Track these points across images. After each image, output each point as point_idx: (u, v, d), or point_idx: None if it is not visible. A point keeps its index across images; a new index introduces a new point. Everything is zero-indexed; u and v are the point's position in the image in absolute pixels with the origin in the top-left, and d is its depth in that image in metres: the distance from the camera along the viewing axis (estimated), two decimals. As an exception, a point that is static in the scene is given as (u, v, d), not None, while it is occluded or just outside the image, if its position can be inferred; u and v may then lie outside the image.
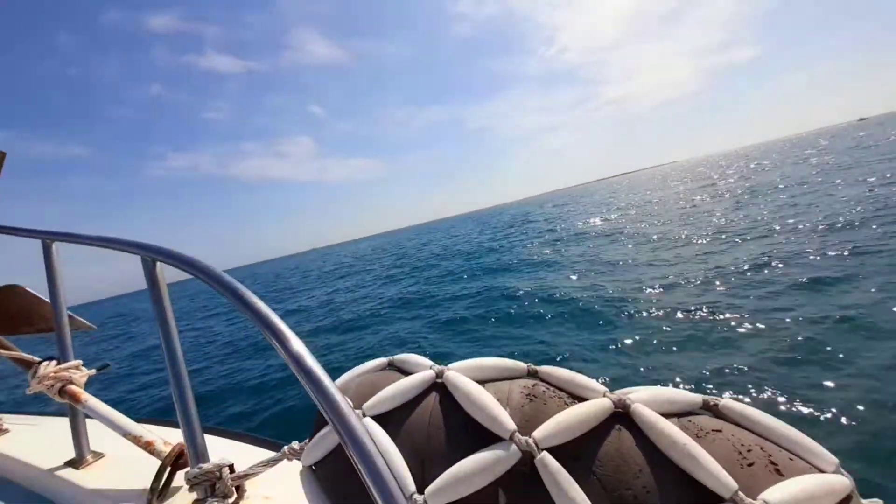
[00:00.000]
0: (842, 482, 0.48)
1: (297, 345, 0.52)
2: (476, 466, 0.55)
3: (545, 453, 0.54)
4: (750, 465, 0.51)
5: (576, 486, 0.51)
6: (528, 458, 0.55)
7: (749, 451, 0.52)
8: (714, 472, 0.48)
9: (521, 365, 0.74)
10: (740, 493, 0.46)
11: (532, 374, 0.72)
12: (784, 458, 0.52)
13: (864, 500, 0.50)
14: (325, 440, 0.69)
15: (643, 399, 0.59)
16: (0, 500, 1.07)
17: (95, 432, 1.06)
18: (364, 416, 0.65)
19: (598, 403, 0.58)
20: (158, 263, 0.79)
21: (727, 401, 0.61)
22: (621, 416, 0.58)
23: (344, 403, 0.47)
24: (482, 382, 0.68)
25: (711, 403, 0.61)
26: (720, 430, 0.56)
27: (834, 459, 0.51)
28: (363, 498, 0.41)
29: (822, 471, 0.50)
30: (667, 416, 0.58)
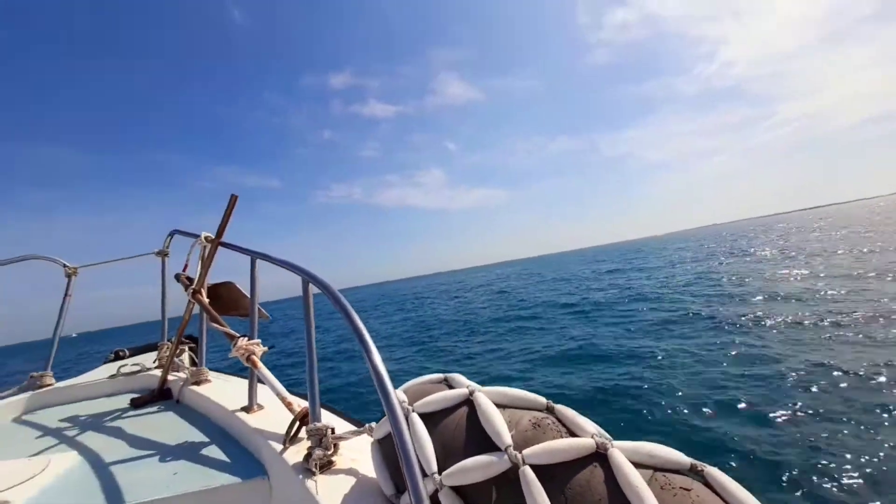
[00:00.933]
0: None
1: (376, 356, 0.83)
2: (478, 464, 0.75)
3: (527, 467, 0.71)
4: None
5: (545, 496, 0.67)
6: (515, 469, 0.72)
7: None
8: None
9: (542, 400, 0.90)
10: None
11: (549, 410, 0.87)
12: None
13: None
14: (384, 425, 0.96)
15: (624, 447, 0.70)
16: (203, 430, 1.65)
17: (261, 391, 1.57)
18: (412, 411, 0.91)
19: (583, 441, 0.72)
20: (310, 284, 1.22)
21: (713, 469, 0.67)
22: (601, 456, 0.71)
23: (395, 400, 0.75)
24: (502, 406, 0.87)
25: (698, 468, 0.68)
26: (689, 489, 0.64)
27: None
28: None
29: None
30: (643, 466, 0.68)
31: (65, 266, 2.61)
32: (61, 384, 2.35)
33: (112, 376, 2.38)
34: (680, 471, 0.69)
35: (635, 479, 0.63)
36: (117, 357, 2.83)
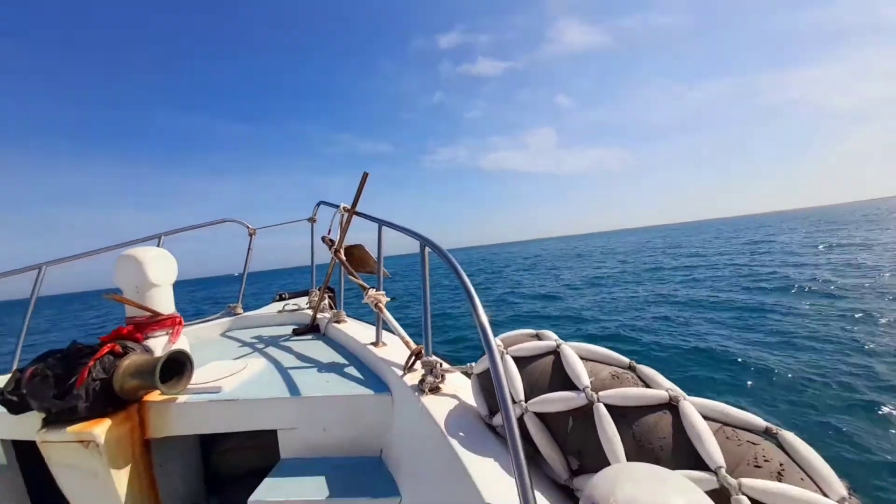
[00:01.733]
0: None
1: (479, 306, 1.02)
2: (559, 398, 0.91)
3: (601, 404, 0.84)
4: (758, 467, 0.65)
5: (614, 428, 0.79)
6: (590, 405, 0.86)
7: (767, 461, 0.66)
8: (710, 450, 0.67)
9: (625, 360, 0.99)
10: (723, 471, 0.64)
11: (630, 368, 0.97)
12: (797, 476, 0.63)
13: None
14: (483, 362, 1.17)
15: (696, 402, 0.78)
16: (343, 355, 2.12)
17: (385, 333, 1.95)
18: (506, 353, 1.09)
19: (657, 392, 0.82)
20: (426, 248, 1.47)
21: (788, 433, 0.71)
22: (673, 406, 0.79)
23: (493, 343, 0.93)
24: (586, 360, 1.00)
25: (773, 431, 0.73)
26: (755, 443, 0.70)
27: (842, 492, 0.59)
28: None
29: (824, 494, 0.60)
30: (711, 419, 0.75)
31: (248, 227, 3.46)
32: (247, 314, 3.19)
33: (280, 311, 3.14)
34: (752, 430, 0.74)
35: (700, 425, 0.72)
36: (280, 298, 3.67)
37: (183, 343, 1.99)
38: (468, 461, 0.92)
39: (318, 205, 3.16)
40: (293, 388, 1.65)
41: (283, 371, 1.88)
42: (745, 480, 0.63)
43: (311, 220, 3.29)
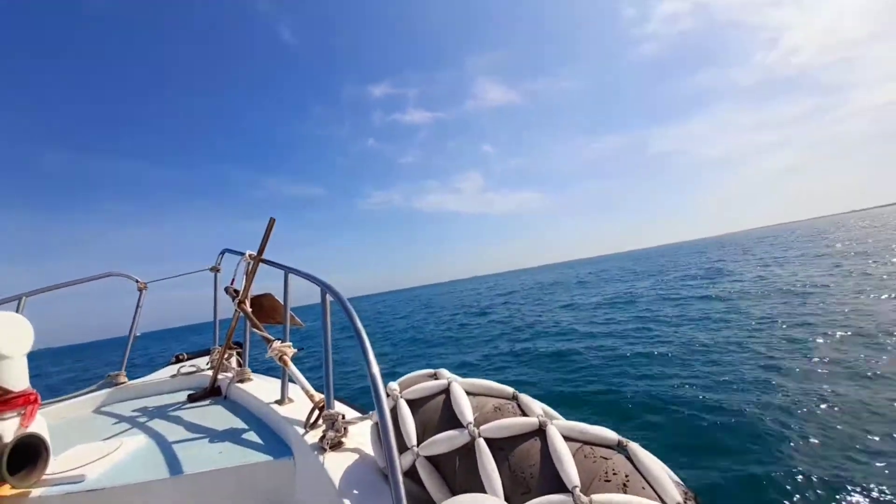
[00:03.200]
0: None
1: (370, 353, 1.02)
2: (444, 438, 0.93)
3: (482, 440, 0.87)
4: (608, 481, 0.72)
5: (493, 463, 0.83)
6: (473, 441, 0.89)
7: (615, 474, 0.73)
8: (569, 472, 0.73)
9: (509, 390, 1.05)
10: (577, 490, 0.70)
11: (513, 398, 1.03)
12: (639, 486, 0.71)
13: None
14: None
15: (560, 425, 0.85)
16: (244, 419, 1.92)
17: (294, 387, 1.82)
18: (400, 397, 1.09)
19: (529, 420, 0.88)
20: (327, 294, 1.45)
21: (635, 445, 0.80)
22: (542, 431, 0.86)
23: (382, 394, 0.93)
24: (473, 394, 1.04)
25: (623, 444, 0.82)
26: (607, 459, 0.77)
27: (676, 497, 0.68)
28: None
29: (662, 501, 0.68)
30: (573, 439, 0.82)
31: (137, 281, 3.07)
32: (133, 382, 2.76)
33: (173, 376, 2.77)
34: (607, 445, 0.82)
35: (561, 448, 0.78)
36: (178, 360, 3.25)
37: (39, 425, 1.65)
38: None
39: (223, 253, 2.94)
40: (176, 466, 1.45)
41: (167, 447, 1.64)
42: (595, 497, 0.69)
43: (215, 269, 3.04)
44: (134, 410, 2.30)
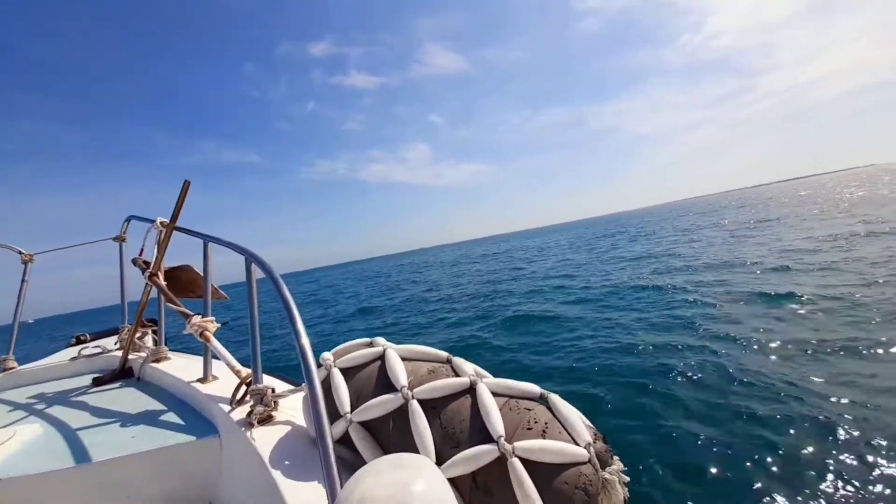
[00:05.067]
0: (578, 452, 0.73)
1: (300, 324, 0.97)
2: (378, 402, 0.93)
3: (415, 401, 0.89)
4: (529, 429, 0.78)
5: (425, 422, 0.85)
6: (406, 403, 0.90)
7: (535, 422, 0.80)
8: (495, 423, 0.78)
9: (443, 354, 1.08)
10: (502, 440, 0.75)
11: (447, 361, 1.06)
12: (556, 431, 0.78)
13: (606, 470, 0.74)
14: None
15: (489, 382, 0.90)
16: (161, 400, 1.77)
17: (218, 364, 1.70)
18: (333, 366, 1.07)
19: (460, 380, 0.91)
20: (252, 264, 1.35)
21: (555, 396, 0.87)
22: (472, 390, 0.89)
23: (311, 363, 0.89)
24: (408, 360, 1.05)
25: (545, 396, 0.88)
26: (530, 409, 0.83)
27: (587, 438, 0.76)
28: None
29: (575, 442, 0.75)
30: (500, 395, 0.87)
31: (20, 253, 2.62)
32: (24, 367, 2.41)
33: (73, 358, 2.45)
34: (531, 398, 0.89)
35: (489, 402, 0.83)
36: (79, 341, 2.87)
37: None
38: (289, 491, 0.86)
39: (128, 220, 2.59)
40: (81, 453, 1.30)
41: (71, 434, 1.47)
42: (518, 444, 0.74)
43: (119, 238, 2.67)
44: (28, 398, 2.01)
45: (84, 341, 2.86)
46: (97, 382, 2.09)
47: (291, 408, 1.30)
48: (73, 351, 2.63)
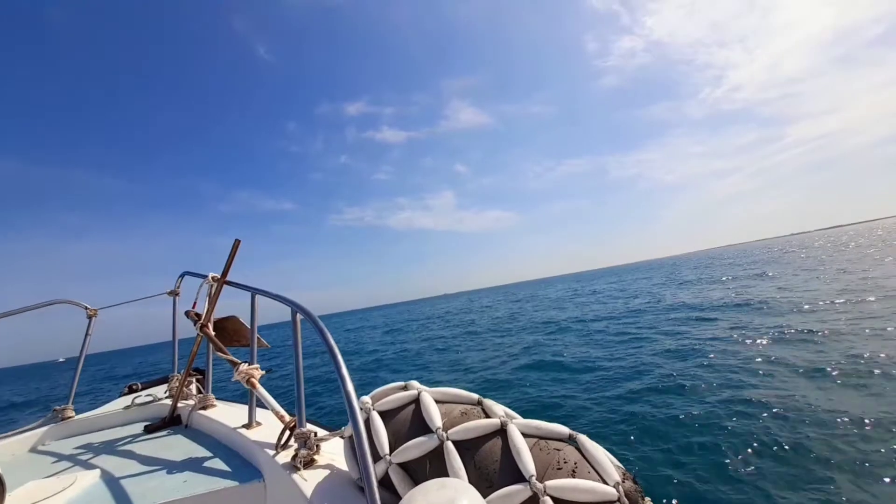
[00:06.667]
0: (607, 490, 0.76)
1: (344, 369, 1.07)
2: (415, 444, 0.99)
3: (450, 442, 0.94)
4: (559, 469, 0.82)
5: (460, 461, 0.90)
6: (441, 444, 0.96)
7: (565, 462, 0.83)
8: (526, 463, 0.82)
9: (474, 396, 1.14)
10: (534, 479, 0.79)
11: (479, 403, 1.11)
12: (585, 471, 0.81)
13: None
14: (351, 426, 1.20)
15: (519, 423, 0.95)
16: (208, 447, 1.87)
17: (262, 411, 1.80)
18: (372, 410, 1.15)
19: (492, 421, 0.96)
20: (297, 314, 1.48)
21: (583, 436, 0.91)
22: (503, 431, 0.94)
23: (356, 406, 0.98)
24: (441, 402, 1.11)
25: (573, 436, 0.92)
26: (559, 450, 0.87)
27: (616, 478, 0.79)
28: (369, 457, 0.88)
29: (604, 482, 0.79)
30: (530, 436, 0.92)
31: (86, 308, 2.90)
32: (81, 416, 2.58)
33: (127, 407, 2.62)
34: (560, 438, 0.92)
35: (520, 443, 0.88)
36: (131, 390, 3.06)
37: None
38: None
39: (182, 276, 2.85)
40: (138, 498, 1.40)
41: (125, 481, 1.57)
42: (549, 482, 0.78)
43: (174, 293, 2.93)
44: (85, 445, 2.16)
45: (136, 390, 3.05)
46: (149, 430, 2.23)
47: (331, 452, 1.37)
48: (126, 400, 2.81)
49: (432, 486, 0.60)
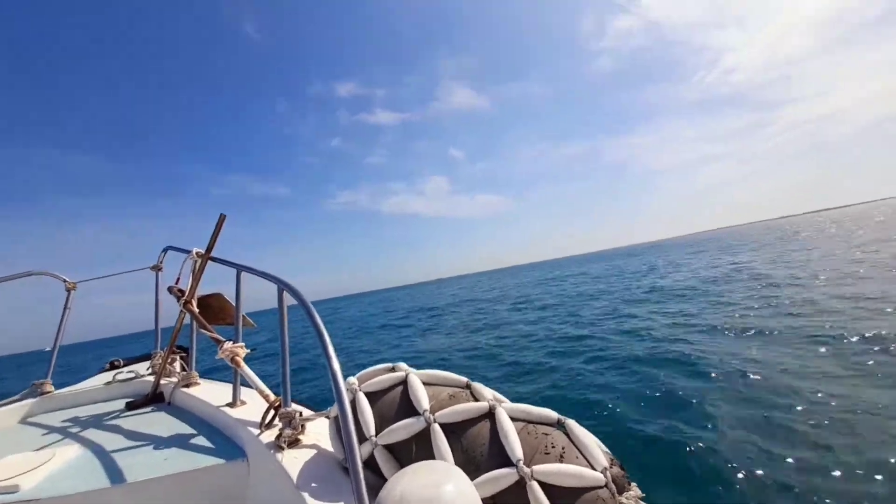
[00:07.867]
0: (595, 476, 0.76)
1: (331, 349, 1.04)
2: (402, 426, 0.98)
3: (437, 425, 0.93)
4: (547, 454, 0.82)
5: (447, 444, 0.89)
6: (428, 427, 0.95)
7: (553, 447, 0.83)
8: (514, 447, 0.81)
9: (463, 379, 1.13)
10: (521, 463, 0.79)
11: (467, 386, 1.10)
12: (573, 456, 0.81)
13: (624, 495, 0.76)
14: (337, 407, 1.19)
15: (507, 407, 0.94)
16: (191, 424, 1.85)
17: (247, 389, 1.78)
18: (359, 391, 1.13)
19: (480, 405, 0.95)
20: (284, 292, 1.44)
21: (572, 421, 0.91)
22: (492, 414, 0.94)
23: (342, 386, 0.96)
24: (429, 384, 1.10)
25: (562, 421, 0.91)
26: (548, 434, 0.87)
27: (604, 463, 0.79)
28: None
29: (592, 467, 0.78)
30: (518, 420, 0.91)
31: (65, 281, 2.81)
32: (61, 391, 2.53)
33: (108, 383, 2.57)
34: (548, 423, 0.92)
35: (508, 427, 0.87)
36: (112, 367, 3.00)
37: None
38: None
39: (165, 250, 2.77)
40: (117, 474, 1.37)
41: (106, 456, 1.54)
42: (536, 467, 0.78)
43: (156, 268, 2.84)
44: (65, 420, 2.12)
45: (118, 366, 3.00)
46: (130, 406, 2.19)
47: (317, 432, 1.35)
48: (107, 376, 2.76)
49: (420, 467, 0.59)
